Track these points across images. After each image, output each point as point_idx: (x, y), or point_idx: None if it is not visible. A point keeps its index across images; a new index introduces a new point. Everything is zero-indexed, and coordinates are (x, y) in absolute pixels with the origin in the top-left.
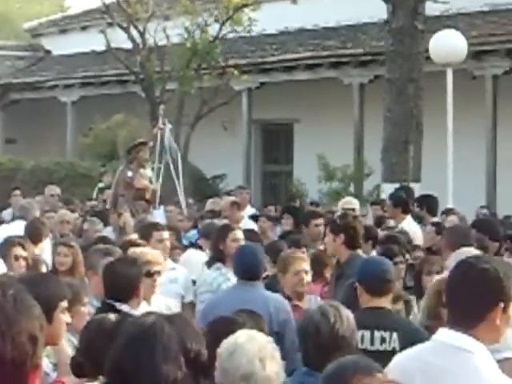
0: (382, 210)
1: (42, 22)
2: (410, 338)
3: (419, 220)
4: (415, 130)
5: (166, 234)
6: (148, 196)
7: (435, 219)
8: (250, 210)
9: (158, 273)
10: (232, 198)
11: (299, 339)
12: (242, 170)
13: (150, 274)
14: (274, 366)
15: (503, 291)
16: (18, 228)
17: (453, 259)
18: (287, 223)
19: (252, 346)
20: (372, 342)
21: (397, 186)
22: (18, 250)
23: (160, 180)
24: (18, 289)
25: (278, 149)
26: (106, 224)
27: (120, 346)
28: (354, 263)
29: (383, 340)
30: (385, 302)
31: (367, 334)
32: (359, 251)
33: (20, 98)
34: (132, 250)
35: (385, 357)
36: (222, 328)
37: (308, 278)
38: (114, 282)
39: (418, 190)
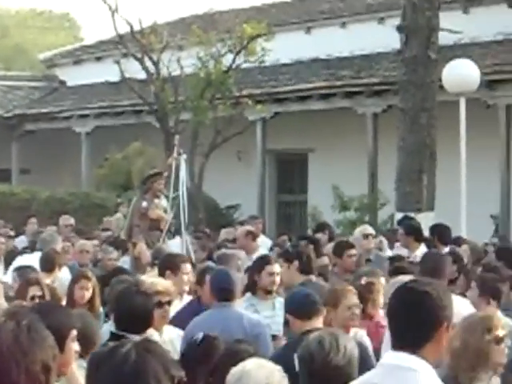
0: (395, 239)
1: (57, 52)
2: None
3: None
4: (429, 160)
5: (189, 267)
6: (163, 226)
7: (447, 248)
8: (263, 240)
9: (169, 303)
10: (247, 228)
11: (298, 366)
12: (257, 199)
13: (160, 305)
14: None
15: (445, 310)
16: (36, 259)
17: (390, 287)
18: None
19: (259, 373)
20: None
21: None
22: (35, 290)
23: (175, 210)
24: (32, 319)
25: (292, 178)
26: (123, 253)
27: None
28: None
29: None
30: (318, 324)
31: None
32: (312, 277)
33: (34, 128)
34: (142, 281)
35: None
36: (231, 357)
37: (357, 311)
38: (127, 312)
39: (432, 218)
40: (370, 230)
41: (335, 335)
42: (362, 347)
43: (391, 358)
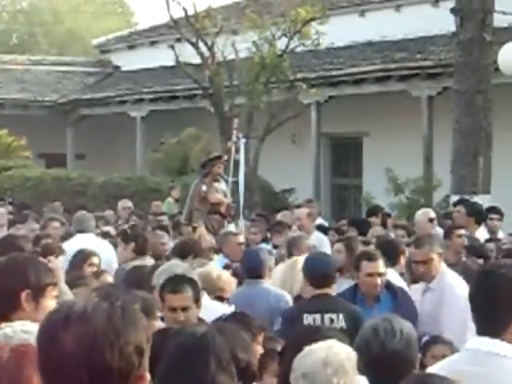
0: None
1: (111, 38)
2: (353, 318)
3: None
4: (484, 142)
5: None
6: (223, 210)
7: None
8: (320, 222)
9: None
10: (308, 210)
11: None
12: (312, 183)
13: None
14: (342, 376)
15: None
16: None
17: None
18: None
19: (322, 351)
20: (322, 323)
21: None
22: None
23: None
24: (126, 300)
25: (347, 162)
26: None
27: (172, 357)
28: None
29: (332, 321)
30: (328, 290)
31: (318, 316)
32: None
33: (89, 113)
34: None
35: None
36: (304, 338)
37: None
38: None
39: (487, 202)
40: (433, 214)
41: (389, 320)
42: None
43: (478, 343)
